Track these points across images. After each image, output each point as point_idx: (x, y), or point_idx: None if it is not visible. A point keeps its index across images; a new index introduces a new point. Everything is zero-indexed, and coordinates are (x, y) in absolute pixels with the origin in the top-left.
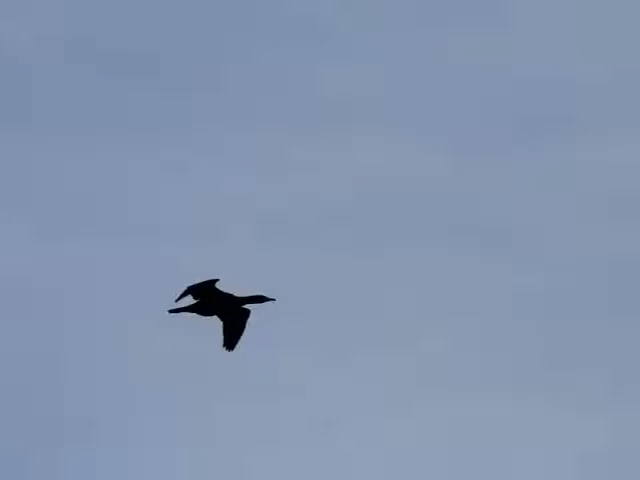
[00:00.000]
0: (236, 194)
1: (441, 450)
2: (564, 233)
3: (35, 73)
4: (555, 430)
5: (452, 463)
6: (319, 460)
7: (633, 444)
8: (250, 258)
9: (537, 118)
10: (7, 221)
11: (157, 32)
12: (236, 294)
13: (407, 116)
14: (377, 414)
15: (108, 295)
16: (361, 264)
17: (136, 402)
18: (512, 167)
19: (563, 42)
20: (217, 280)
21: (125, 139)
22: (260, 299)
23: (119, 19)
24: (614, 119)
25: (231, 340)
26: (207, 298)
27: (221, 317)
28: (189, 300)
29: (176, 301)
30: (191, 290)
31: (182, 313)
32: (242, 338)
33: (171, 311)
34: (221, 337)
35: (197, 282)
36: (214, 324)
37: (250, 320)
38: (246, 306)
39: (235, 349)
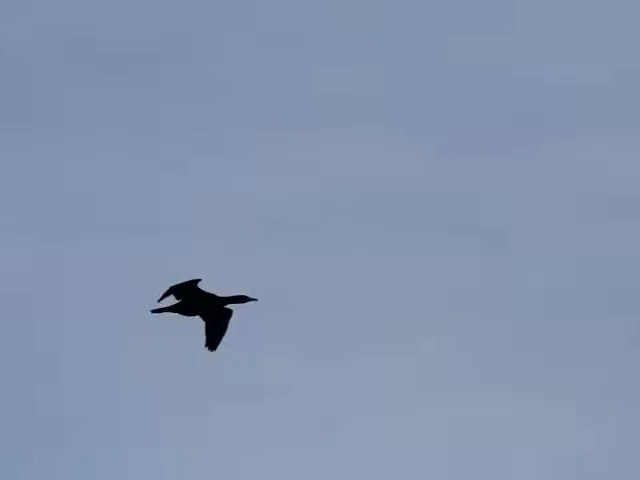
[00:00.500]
0: (236, 194)
1: (440, 450)
2: (563, 233)
3: (35, 73)
4: (555, 430)
5: (452, 463)
6: (309, 461)
7: (633, 444)
8: (250, 258)
9: (537, 118)
10: (7, 221)
11: (157, 32)
12: (218, 294)
13: (407, 116)
14: (375, 414)
15: (108, 295)
16: (361, 264)
17: (117, 403)
18: (512, 167)
19: (563, 42)
20: (199, 280)
21: (125, 139)
22: (242, 299)
23: (119, 19)
24: (614, 119)
25: (213, 340)
26: (189, 298)
27: (203, 317)
28: (171, 300)
29: (158, 301)
30: (173, 290)
31: (164, 313)
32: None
33: (153, 311)
34: (203, 337)
35: (179, 282)
36: (196, 324)
37: (249, 320)
38: (229, 306)
39: (217, 349)
